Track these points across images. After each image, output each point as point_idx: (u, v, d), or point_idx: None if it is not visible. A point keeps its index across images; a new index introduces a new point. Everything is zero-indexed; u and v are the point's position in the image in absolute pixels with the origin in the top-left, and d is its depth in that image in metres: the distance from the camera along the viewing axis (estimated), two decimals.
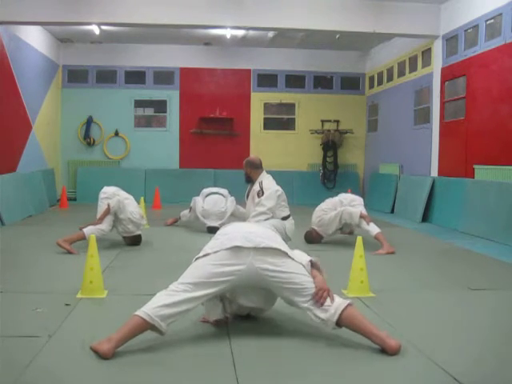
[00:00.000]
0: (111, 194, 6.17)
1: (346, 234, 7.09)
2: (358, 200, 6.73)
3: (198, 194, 7.79)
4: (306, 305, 3.03)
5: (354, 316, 2.99)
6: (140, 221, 6.23)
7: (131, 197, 6.37)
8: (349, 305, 3.00)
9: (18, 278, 4.57)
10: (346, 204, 6.58)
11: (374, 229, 6.30)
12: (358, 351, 2.93)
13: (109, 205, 5.98)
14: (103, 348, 2.77)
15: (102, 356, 2.76)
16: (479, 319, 3.64)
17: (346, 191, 7.42)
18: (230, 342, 3.06)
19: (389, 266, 5.40)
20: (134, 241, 6.30)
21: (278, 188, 6.33)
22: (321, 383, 2.60)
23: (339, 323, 2.98)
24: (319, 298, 3.00)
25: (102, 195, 6.21)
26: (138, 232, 6.28)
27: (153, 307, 2.89)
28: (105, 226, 5.96)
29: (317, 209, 6.74)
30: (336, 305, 2.99)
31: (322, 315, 2.99)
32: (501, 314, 3.79)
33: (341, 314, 2.96)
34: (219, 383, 2.58)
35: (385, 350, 2.88)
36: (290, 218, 6.43)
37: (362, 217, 6.35)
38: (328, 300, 3.00)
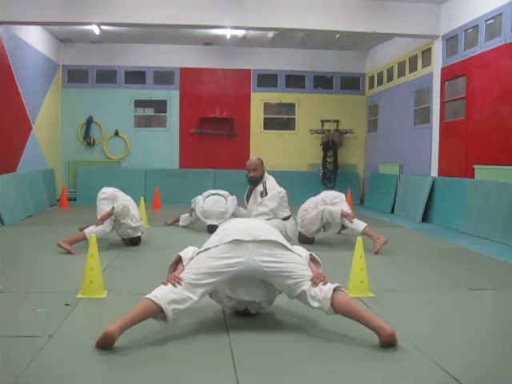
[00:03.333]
0: (110, 195, 6.16)
1: (336, 234, 7.02)
2: (340, 197, 6.52)
3: (197, 195, 7.78)
4: (304, 288, 3.10)
5: (348, 302, 3.07)
6: (138, 223, 6.22)
7: (130, 198, 6.34)
8: (338, 286, 3.09)
9: (18, 278, 4.57)
10: (329, 202, 6.41)
11: (359, 225, 6.10)
12: (358, 349, 2.93)
13: (113, 208, 5.96)
14: (109, 328, 2.80)
15: (106, 336, 2.78)
16: (479, 319, 3.64)
17: (346, 191, 7.40)
18: (229, 338, 3.07)
19: (389, 266, 5.40)
20: (134, 242, 6.27)
21: (282, 190, 6.36)
22: (319, 380, 2.60)
23: (334, 307, 3.03)
24: (316, 279, 3.10)
25: (100, 196, 6.19)
26: (137, 234, 6.25)
27: (160, 291, 2.98)
28: (106, 226, 5.94)
29: (300, 209, 6.57)
30: (328, 286, 3.09)
31: (318, 295, 3.06)
32: (501, 313, 3.79)
33: (334, 293, 3.03)
34: (218, 379, 2.58)
35: (381, 336, 2.92)
36: (291, 218, 6.45)
37: (343, 215, 6.17)
38: (321, 284, 3.10)
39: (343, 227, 6.71)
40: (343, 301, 3.05)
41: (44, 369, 2.65)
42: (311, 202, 6.59)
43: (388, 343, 2.92)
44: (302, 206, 6.61)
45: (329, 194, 6.66)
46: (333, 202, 6.44)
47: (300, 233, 6.58)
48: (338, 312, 3.06)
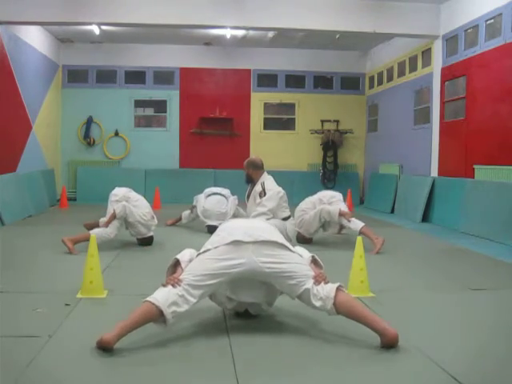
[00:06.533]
0: (121, 197, 6.13)
1: (336, 234, 7.01)
2: (338, 196, 6.55)
3: (198, 194, 7.80)
4: (306, 286, 3.07)
5: (351, 302, 3.06)
6: (151, 222, 6.22)
7: (141, 197, 6.35)
8: (340, 286, 3.08)
9: (18, 278, 4.57)
10: (326, 202, 6.41)
11: (356, 225, 6.12)
12: (358, 350, 2.93)
13: (114, 211, 5.95)
14: (105, 336, 2.79)
15: (104, 344, 2.77)
16: (479, 319, 3.64)
17: (345, 191, 7.40)
18: (230, 340, 3.06)
19: (389, 266, 5.40)
20: (147, 241, 6.31)
21: (280, 190, 6.37)
22: (320, 381, 2.60)
23: (337, 307, 3.01)
24: (319, 278, 3.09)
25: (112, 198, 6.15)
26: (150, 234, 6.29)
27: (159, 293, 2.95)
28: (111, 230, 5.94)
29: (297, 209, 6.56)
30: (330, 285, 3.08)
31: (321, 293, 3.04)
32: (501, 313, 3.79)
33: (337, 292, 3.02)
34: (218, 381, 2.58)
35: (383, 338, 2.91)
36: (291, 218, 6.45)
37: (341, 214, 6.19)
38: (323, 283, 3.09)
39: (342, 227, 6.71)
40: (346, 301, 3.03)
41: (44, 369, 2.65)
42: (308, 201, 6.58)
43: (390, 345, 2.92)
44: (299, 206, 6.60)
45: (326, 194, 6.66)
46: (330, 201, 6.44)
47: (298, 233, 6.56)
48: (340, 312, 3.04)
